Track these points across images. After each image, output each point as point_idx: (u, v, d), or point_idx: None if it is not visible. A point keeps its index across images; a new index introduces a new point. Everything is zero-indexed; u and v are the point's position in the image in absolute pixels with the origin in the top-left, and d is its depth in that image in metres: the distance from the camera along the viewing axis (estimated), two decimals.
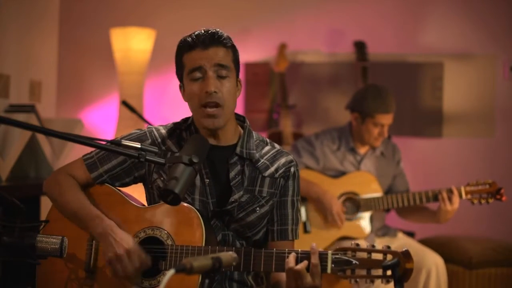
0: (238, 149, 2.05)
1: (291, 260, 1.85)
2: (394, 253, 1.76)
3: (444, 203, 3.23)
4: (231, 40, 2.03)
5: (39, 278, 2.08)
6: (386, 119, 3.44)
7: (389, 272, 1.75)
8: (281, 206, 2.10)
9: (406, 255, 1.75)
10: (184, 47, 2.00)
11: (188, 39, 1.99)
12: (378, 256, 1.78)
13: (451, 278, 3.61)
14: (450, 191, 3.25)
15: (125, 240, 1.93)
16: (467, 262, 3.78)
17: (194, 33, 2.00)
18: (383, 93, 3.43)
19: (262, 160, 2.08)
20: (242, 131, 2.11)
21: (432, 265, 3.36)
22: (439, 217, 3.33)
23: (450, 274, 3.61)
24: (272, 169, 2.08)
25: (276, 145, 2.15)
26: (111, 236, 1.95)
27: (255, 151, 2.07)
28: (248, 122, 2.13)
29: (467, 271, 3.78)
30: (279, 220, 2.10)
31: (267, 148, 2.12)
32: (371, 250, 1.79)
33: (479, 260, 3.78)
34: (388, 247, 1.78)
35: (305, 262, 1.84)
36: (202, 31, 2.00)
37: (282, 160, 2.10)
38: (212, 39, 1.98)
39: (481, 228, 4.44)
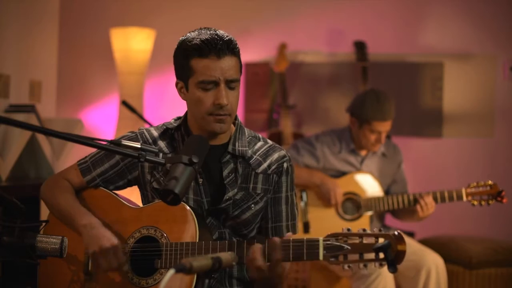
0: (230, 147, 2.05)
1: (251, 250, 1.83)
2: (385, 236, 1.76)
3: (422, 211, 3.31)
4: (238, 45, 2.01)
5: (40, 279, 2.09)
6: (383, 127, 3.43)
7: (381, 255, 1.75)
8: (275, 203, 2.10)
9: (397, 237, 1.74)
10: (195, 52, 1.94)
11: (199, 43, 1.93)
12: (370, 240, 1.77)
13: (451, 278, 3.61)
14: (425, 198, 3.30)
15: (107, 237, 1.93)
16: (467, 262, 3.78)
17: (204, 37, 1.94)
18: (381, 100, 3.42)
19: (254, 157, 2.08)
20: (233, 128, 2.10)
21: (432, 265, 3.36)
22: (416, 219, 3.44)
23: (450, 274, 3.61)
24: (265, 165, 2.08)
25: (269, 141, 2.14)
26: (96, 230, 1.95)
27: (247, 148, 2.07)
28: (239, 119, 2.12)
29: (467, 271, 3.78)
30: (273, 217, 2.10)
31: (259, 144, 2.11)
32: (363, 234, 1.78)
33: (479, 260, 3.78)
34: (380, 229, 1.78)
35: (259, 253, 1.81)
36: (215, 36, 1.94)
37: (275, 156, 2.09)
38: (227, 48, 1.94)
39: (481, 228, 4.45)
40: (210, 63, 1.93)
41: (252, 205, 2.05)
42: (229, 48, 1.95)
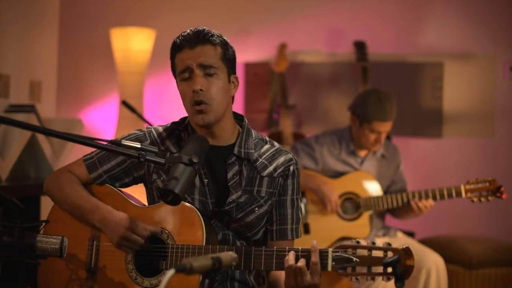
0: (236, 149, 2.05)
1: (290, 257, 1.85)
2: (394, 250, 1.76)
3: (419, 209, 3.35)
4: (221, 37, 2.03)
5: (40, 279, 2.09)
6: (383, 127, 3.43)
7: (389, 269, 1.75)
8: (281, 206, 2.10)
9: (406, 252, 1.75)
10: (174, 48, 2.03)
11: (176, 40, 2.02)
12: (378, 254, 1.78)
13: (451, 278, 3.61)
14: (425, 202, 3.32)
15: (123, 219, 1.96)
16: (467, 262, 3.78)
17: (182, 33, 2.02)
18: (383, 100, 3.42)
19: (260, 160, 2.07)
20: (240, 130, 2.10)
21: (432, 265, 3.36)
22: (414, 216, 3.48)
23: (450, 274, 3.61)
24: (271, 168, 2.07)
25: (276, 144, 2.14)
26: (110, 220, 1.98)
27: (253, 151, 2.07)
28: (246, 121, 2.12)
29: (467, 271, 3.78)
30: (278, 220, 2.10)
31: (266, 147, 2.11)
32: (372, 247, 1.78)
33: (479, 260, 3.78)
34: (389, 244, 1.78)
35: (304, 260, 1.84)
36: (189, 31, 2.02)
37: (281, 159, 2.09)
38: (197, 38, 1.99)
39: (481, 228, 4.45)
40: (184, 55, 2.00)
41: (256, 209, 2.05)
42: (199, 37, 1.99)
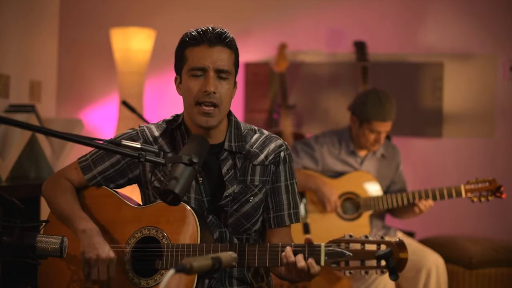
0: (226, 144, 2.05)
1: (289, 253, 1.84)
2: (387, 243, 1.75)
3: (419, 209, 3.35)
4: (235, 43, 2.04)
5: (40, 279, 2.09)
6: (383, 127, 3.43)
7: (383, 263, 1.74)
8: (275, 193, 2.10)
9: (399, 245, 1.74)
10: (189, 41, 2.00)
11: (194, 34, 2.00)
12: (371, 247, 1.77)
13: (451, 278, 3.61)
14: (424, 202, 3.32)
15: (106, 249, 1.95)
16: (467, 262, 3.78)
17: (200, 28, 2.01)
18: (383, 100, 3.42)
19: (252, 150, 2.08)
20: (229, 125, 2.10)
21: (432, 265, 3.36)
22: (414, 216, 3.47)
23: (450, 274, 3.61)
24: (262, 156, 2.08)
25: (265, 132, 2.14)
26: (95, 238, 1.96)
27: (243, 143, 2.08)
28: (233, 114, 2.12)
29: (467, 271, 3.78)
30: (274, 207, 2.09)
31: (255, 136, 2.11)
32: (365, 241, 1.78)
33: (479, 260, 3.78)
34: (382, 237, 1.78)
35: (301, 255, 1.84)
36: (210, 28, 2.00)
37: (272, 146, 2.09)
38: (218, 39, 1.98)
39: (481, 228, 4.45)
40: (201, 51, 1.98)
41: (251, 198, 2.06)
42: (220, 38, 1.98)
